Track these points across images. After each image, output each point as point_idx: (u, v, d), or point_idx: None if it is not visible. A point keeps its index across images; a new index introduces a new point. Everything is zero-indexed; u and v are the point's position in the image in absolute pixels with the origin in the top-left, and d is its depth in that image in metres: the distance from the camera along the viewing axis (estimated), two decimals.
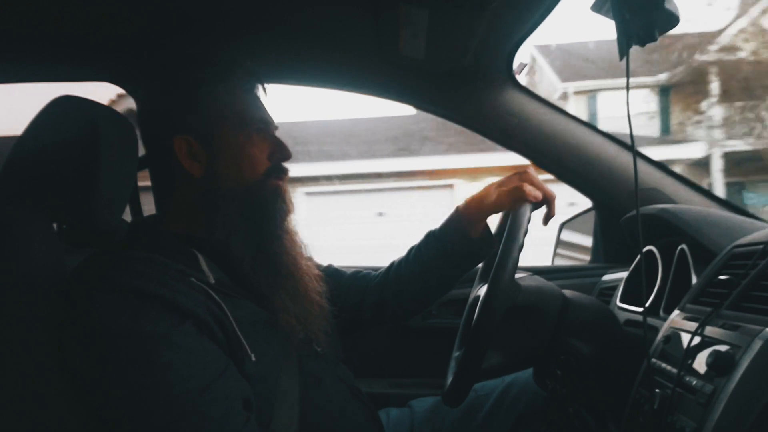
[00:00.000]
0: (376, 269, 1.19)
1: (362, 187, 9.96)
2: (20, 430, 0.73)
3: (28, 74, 1.37)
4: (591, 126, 1.48)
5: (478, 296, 0.93)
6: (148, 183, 1.10)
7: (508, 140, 1.49)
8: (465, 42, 1.20)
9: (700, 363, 0.74)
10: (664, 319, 0.92)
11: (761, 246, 0.81)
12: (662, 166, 1.46)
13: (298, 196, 9.11)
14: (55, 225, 0.87)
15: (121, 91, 1.37)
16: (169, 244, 0.86)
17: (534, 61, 12.07)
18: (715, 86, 10.07)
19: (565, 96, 11.34)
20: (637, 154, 1.44)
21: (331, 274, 1.14)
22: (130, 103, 1.33)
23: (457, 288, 1.15)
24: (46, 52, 1.25)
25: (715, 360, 0.69)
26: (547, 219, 0.99)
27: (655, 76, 10.49)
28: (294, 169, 0.97)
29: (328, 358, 0.97)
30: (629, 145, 1.31)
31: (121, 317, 0.74)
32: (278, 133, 0.98)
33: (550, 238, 1.94)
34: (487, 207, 1.02)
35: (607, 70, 10.75)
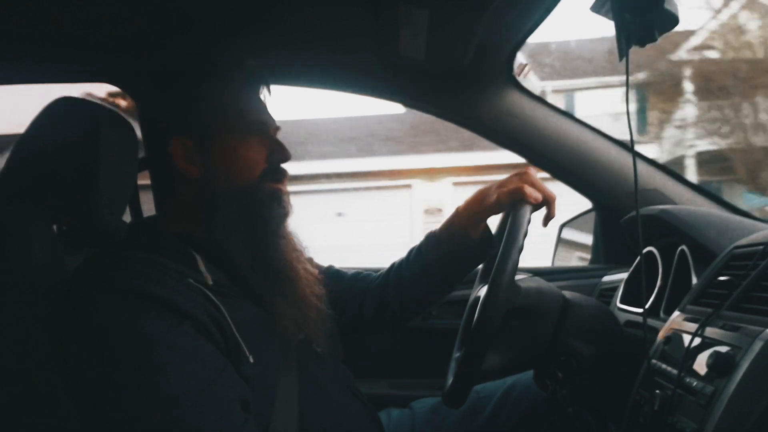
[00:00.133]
0: (376, 270, 1.19)
1: (322, 187, 9.93)
2: (20, 430, 0.73)
3: (28, 75, 1.37)
4: (591, 127, 1.48)
5: (479, 297, 0.93)
6: (149, 182, 1.09)
7: (507, 141, 1.49)
8: (465, 42, 1.20)
9: (701, 364, 0.74)
10: (665, 320, 0.92)
11: (761, 247, 0.81)
12: (662, 167, 1.46)
13: None
14: (55, 226, 0.87)
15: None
16: (169, 245, 0.86)
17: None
18: (688, 86, 10.15)
19: (543, 95, 11.38)
20: (637, 155, 1.44)
21: (332, 275, 1.14)
22: None
23: (458, 289, 1.15)
24: (47, 53, 1.25)
25: (715, 361, 0.69)
26: (546, 220, 0.99)
27: (633, 75, 10.51)
28: None
29: (328, 359, 0.97)
30: (629, 145, 1.31)
31: (120, 317, 0.74)
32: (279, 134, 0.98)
33: (551, 237, 1.94)
34: (487, 208, 1.02)
35: (587, 69, 10.80)
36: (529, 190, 0.94)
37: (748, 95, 9.26)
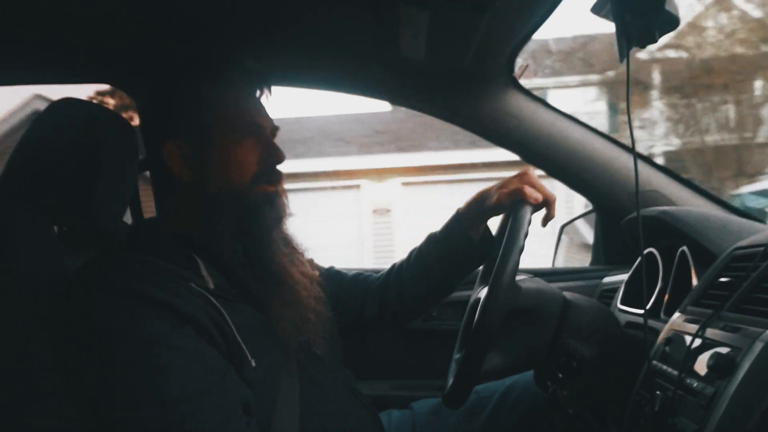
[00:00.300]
0: (377, 271, 1.19)
1: None
2: (20, 430, 0.73)
3: (29, 77, 1.37)
4: (591, 128, 1.48)
5: (479, 298, 0.93)
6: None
7: (507, 142, 1.49)
8: (465, 43, 1.20)
9: (701, 365, 0.74)
10: (665, 322, 0.92)
11: (762, 248, 0.81)
12: (663, 168, 1.46)
13: None
14: (55, 227, 0.87)
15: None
16: (170, 247, 0.86)
17: None
18: (655, 84, 10.19)
19: None
20: (638, 156, 1.44)
21: (333, 276, 1.14)
22: None
23: (458, 290, 1.15)
24: (48, 55, 1.25)
25: (716, 362, 0.69)
26: (546, 221, 0.99)
27: (603, 74, 10.51)
28: None
29: (328, 361, 0.97)
30: (629, 146, 1.31)
31: (120, 317, 0.74)
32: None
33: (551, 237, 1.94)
34: (487, 209, 1.02)
35: (560, 67, 10.79)
36: (529, 191, 0.95)
37: (700, 95, 9.30)
